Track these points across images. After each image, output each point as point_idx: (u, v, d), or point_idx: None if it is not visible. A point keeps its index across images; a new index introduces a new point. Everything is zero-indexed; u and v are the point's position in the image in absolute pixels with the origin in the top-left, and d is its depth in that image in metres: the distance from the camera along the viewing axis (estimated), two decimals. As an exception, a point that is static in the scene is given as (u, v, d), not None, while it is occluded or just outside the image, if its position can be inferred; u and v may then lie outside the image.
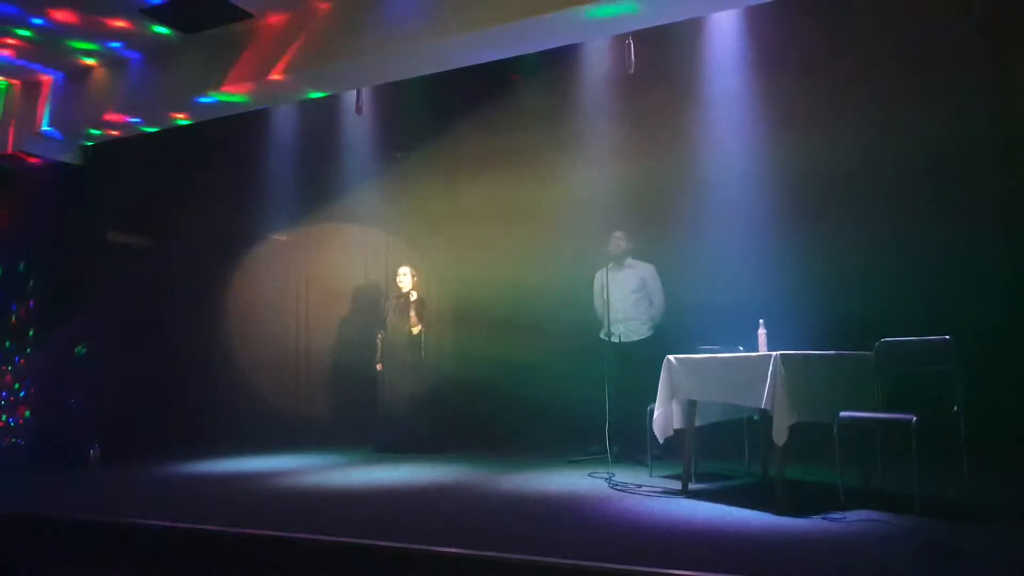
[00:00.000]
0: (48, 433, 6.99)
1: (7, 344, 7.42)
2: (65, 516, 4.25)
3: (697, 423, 4.43)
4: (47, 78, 7.12)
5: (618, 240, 6.01)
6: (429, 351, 6.90)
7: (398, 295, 6.94)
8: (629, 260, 6.04)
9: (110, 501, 4.77)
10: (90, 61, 6.84)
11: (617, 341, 5.73)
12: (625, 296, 5.92)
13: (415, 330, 6.83)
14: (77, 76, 7.03)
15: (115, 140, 7.39)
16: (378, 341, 6.95)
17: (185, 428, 7.51)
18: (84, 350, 7.34)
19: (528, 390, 6.73)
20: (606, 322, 5.80)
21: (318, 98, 6.82)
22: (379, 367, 6.89)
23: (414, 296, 6.87)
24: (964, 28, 5.52)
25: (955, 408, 3.70)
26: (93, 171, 7.63)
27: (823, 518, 3.61)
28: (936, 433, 3.70)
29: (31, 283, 7.45)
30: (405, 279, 6.88)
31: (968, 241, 5.42)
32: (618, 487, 4.61)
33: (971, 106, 5.52)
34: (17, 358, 7.37)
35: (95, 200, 7.63)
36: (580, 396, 5.94)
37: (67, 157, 7.54)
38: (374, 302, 7.92)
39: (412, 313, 6.83)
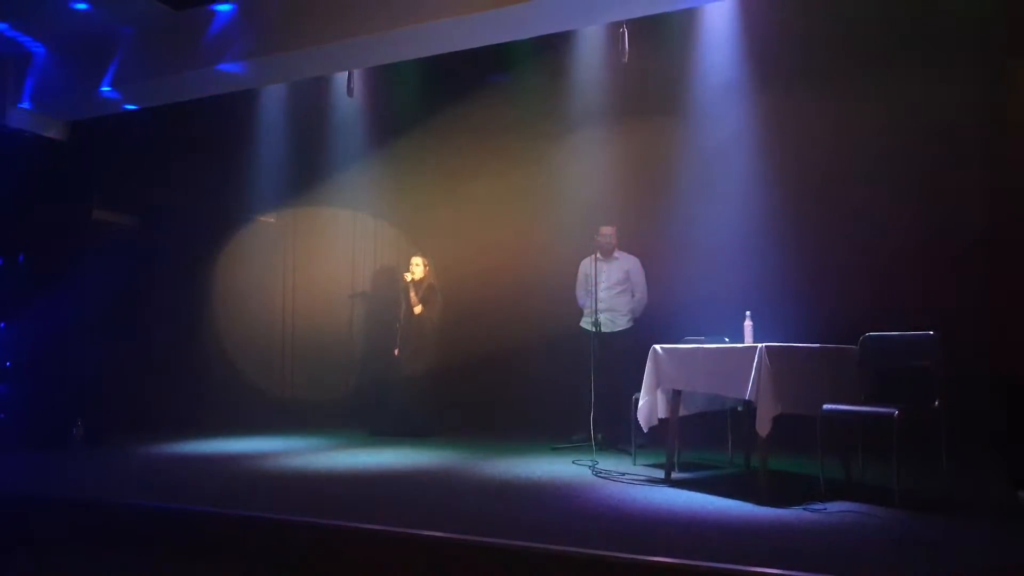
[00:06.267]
0: (31, 411, 6.93)
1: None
2: (46, 494, 4.24)
3: (681, 413, 4.45)
4: (32, 50, 7.00)
5: (606, 234, 6.02)
6: (428, 335, 6.88)
7: (411, 283, 6.90)
8: (616, 252, 6.06)
9: (92, 480, 4.75)
10: (77, 34, 6.72)
11: (598, 331, 5.75)
12: (609, 287, 5.96)
13: (416, 310, 6.84)
14: (63, 49, 6.91)
15: (101, 116, 7.30)
16: (396, 328, 6.99)
17: (170, 408, 7.46)
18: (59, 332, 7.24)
19: (513, 377, 6.74)
20: (591, 312, 5.84)
21: (309, 79, 6.76)
22: (396, 352, 6.93)
23: (419, 277, 6.88)
24: (953, 25, 5.52)
25: (936, 403, 3.74)
26: (78, 147, 7.52)
27: (804, 509, 3.64)
28: (917, 427, 3.74)
29: (13, 259, 7.36)
30: (417, 269, 6.88)
31: (953, 237, 5.46)
32: (601, 475, 4.64)
33: (958, 103, 5.54)
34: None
35: (80, 177, 7.53)
36: (565, 384, 5.96)
37: (51, 132, 7.44)
38: (370, 286, 7.97)
39: (412, 293, 6.85)
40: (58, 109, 7.22)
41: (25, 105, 7.05)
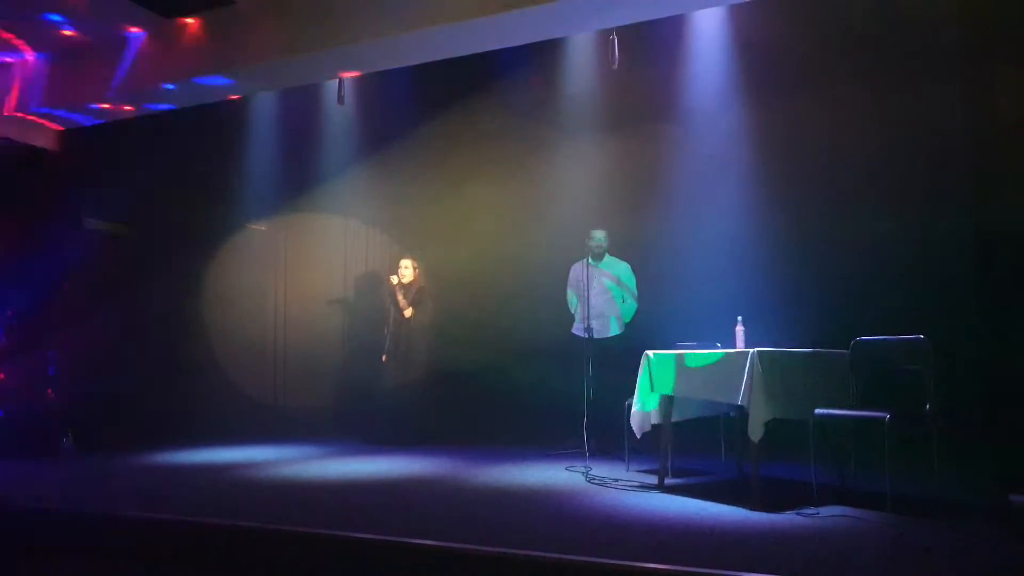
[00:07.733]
0: (20, 422, 6.88)
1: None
2: (34, 506, 4.20)
3: (674, 419, 4.45)
4: (22, 59, 6.98)
5: (598, 239, 6.04)
6: (419, 339, 6.86)
7: (398, 287, 6.87)
8: (607, 258, 6.07)
9: (81, 491, 4.72)
10: (68, 41, 6.70)
11: (590, 336, 5.76)
12: (600, 292, 5.96)
13: (407, 313, 6.81)
14: (54, 57, 6.89)
15: (91, 125, 7.27)
16: (385, 333, 6.95)
17: (160, 418, 7.41)
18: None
19: (505, 383, 6.73)
20: (581, 317, 5.84)
21: (300, 87, 6.76)
22: (384, 358, 6.88)
23: (408, 280, 6.84)
24: (938, 31, 5.55)
25: (927, 407, 3.75)
26: (70, 156, 7.49)
27: (796, 514, 3.65)
28: (909, 431, 3.75)
29: (5, 269, 7.32)
30: (407, 272, 6.85)
31: (943, 242, 5.48)
32: (595, 481, 4.63)
33: (946, 108, 5.57)
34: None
35: (72, 186, 7.50)
36: (557, 390, 5.96)
37: (42, 142, 7.41)
38: (353, 291, 7.91)
39: (400, 297, 6.81)
40: (47, 118, 7.18)
41: (14, 114, 7.02)
